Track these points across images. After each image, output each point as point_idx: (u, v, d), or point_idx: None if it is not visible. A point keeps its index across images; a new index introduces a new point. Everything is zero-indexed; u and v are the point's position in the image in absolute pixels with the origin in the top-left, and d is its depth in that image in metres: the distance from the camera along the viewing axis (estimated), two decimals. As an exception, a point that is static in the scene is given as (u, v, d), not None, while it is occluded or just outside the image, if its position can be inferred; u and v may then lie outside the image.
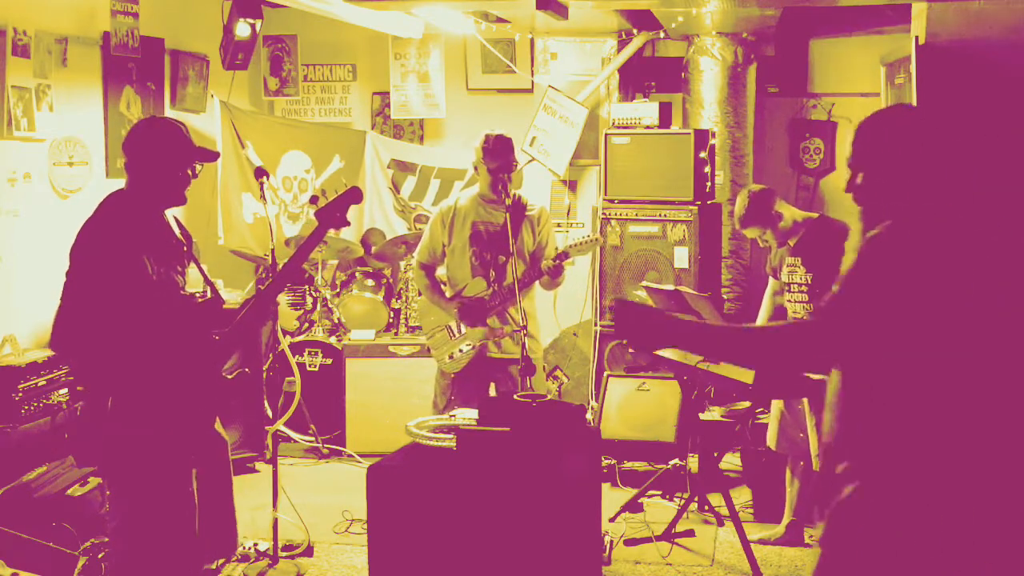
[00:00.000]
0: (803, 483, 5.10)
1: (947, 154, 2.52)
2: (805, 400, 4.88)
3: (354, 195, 3.83)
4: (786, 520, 5.16)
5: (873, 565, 2.40)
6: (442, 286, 5.39)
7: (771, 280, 5.34)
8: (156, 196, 3.72)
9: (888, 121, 2.58)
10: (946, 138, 2.53)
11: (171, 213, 3.88)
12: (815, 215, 5.16)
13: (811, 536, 5.06)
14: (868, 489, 2.42)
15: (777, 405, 5.11)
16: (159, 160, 3.70)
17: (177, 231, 3.85)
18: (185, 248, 3.85)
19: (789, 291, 5.09)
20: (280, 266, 7.01)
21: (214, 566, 4.50)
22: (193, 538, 3.65)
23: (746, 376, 4.56)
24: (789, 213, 5.03)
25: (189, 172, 3.76)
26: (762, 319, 5.36)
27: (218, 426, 4.04)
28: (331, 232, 7.78)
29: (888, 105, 5.75)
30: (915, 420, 2.40)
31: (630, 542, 5.11)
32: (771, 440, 5.17)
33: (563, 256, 5.06)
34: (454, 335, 5.22)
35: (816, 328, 2.52)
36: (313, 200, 4.31)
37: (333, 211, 3.78)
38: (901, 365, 2.41)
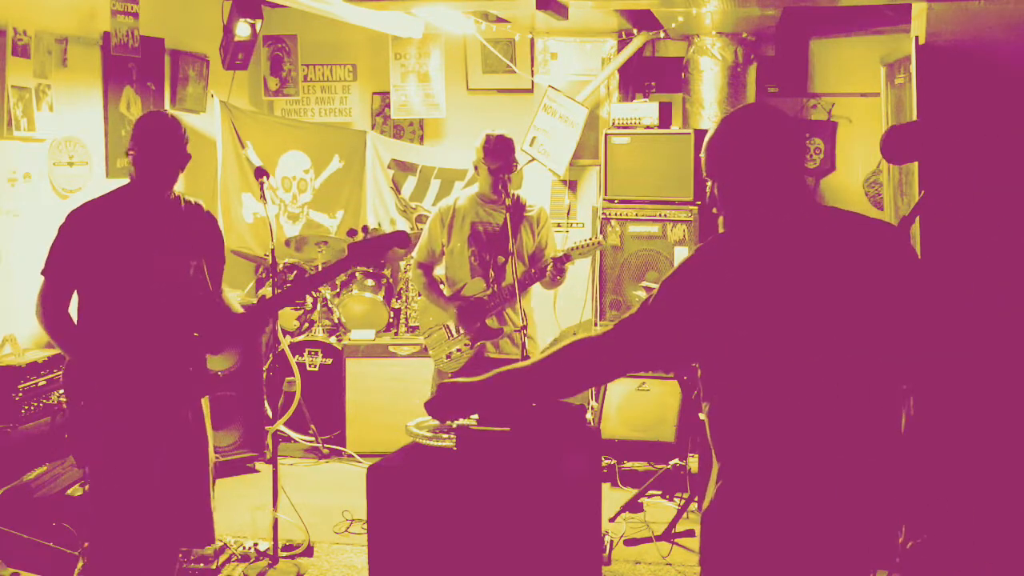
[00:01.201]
0: None
1: (783, 157, 2.51)
2: None
3: (399, 240, 3.78)
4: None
5: (737, 560, 2.47)
6: (440, 285, 5.39)
7: None
8: (145, 185, 3.82)
9: (725, 129, 2.57)
10: (783, 141, 2.53)
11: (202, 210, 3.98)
12: None
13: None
14: (724, 490, 2.49)
15: None
16: (158, 151, 3.81)
17: (204, 226, 3.94)
18: (198, 243, 3.88)
19: None
20: (281, 266, 7.07)
21: (195, 556, 4.55)
22: (150, 519, 3.70)
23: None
24: None
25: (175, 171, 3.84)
26: None
27: (207, 424, 4.01)
28: (329, 232, 7.83)
29: (885, 104, 5.75)
30: (742, 417, 2.46)
31: (630, 542, 5.11)
32: None
33: (565, 259, 5.05)
34: (452, 335, 5.22)
35: (606, 340, 2.57)
36: (351, 233, 4.04)
37: (369, 250, 3.75)
38: (726, 365, 2.47)
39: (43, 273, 3.75)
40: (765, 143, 2.52)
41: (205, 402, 3.99)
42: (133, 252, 3.69)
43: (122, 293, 3.69)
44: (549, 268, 5.02)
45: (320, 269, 6.81)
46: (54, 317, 3.72)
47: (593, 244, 5.22)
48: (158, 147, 3.78)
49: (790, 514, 2.41)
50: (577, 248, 5.13)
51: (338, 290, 7.13)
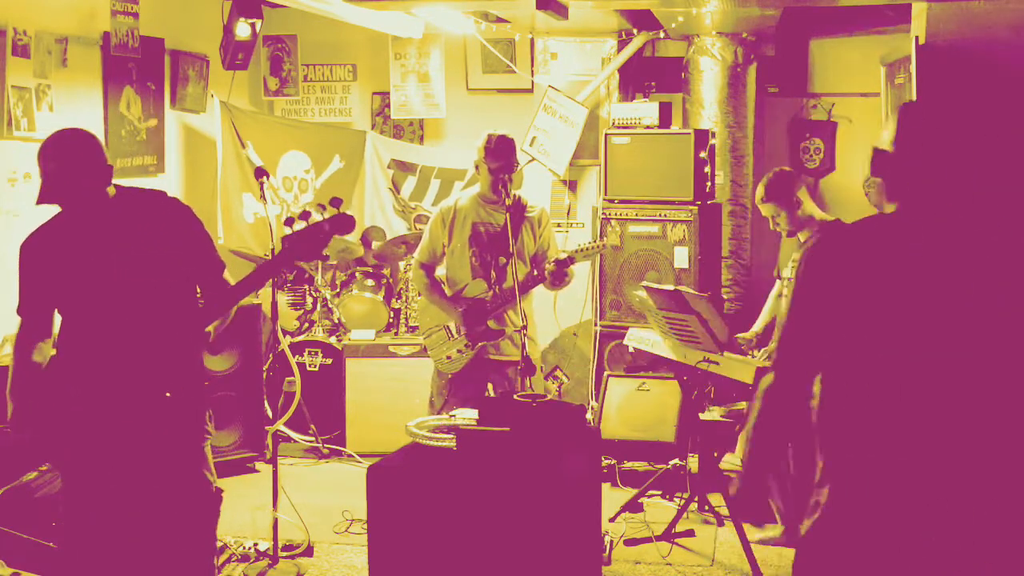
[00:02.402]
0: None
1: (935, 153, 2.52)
2: None
3: (340, 225, 3.51)
4: (786, 520, 5.17)
5: (845, 564, 2.45)
6: (442, 286, 5.39)
7: (777, 282, 5.35)
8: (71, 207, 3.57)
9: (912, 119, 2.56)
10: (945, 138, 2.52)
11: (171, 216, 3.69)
12: (832, 218, 5.16)
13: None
14: (839, 491, 2.46)
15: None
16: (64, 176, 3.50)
17: (161, 216, 3.62)
18: (159, 236, 3.57)
19: (791, 286, 5.10)
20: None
21: None
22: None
23: (746, 376, 4.56)
24: (809, 206, 5.05)
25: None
26: (758, 323, 5.38)
27: (209, 476, 3.71)
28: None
29: (885, 104, 5.75)
30: (868, 417, 2.43)
31: (630, 542, 5.11)
32: None
33: (568, 261, 5.02)
34: (452, 335, 5.22)
35: (777, 375, 2.55)
36: (304, 216, 3.64)
37: (306, 241, 3.52)
38: (853, 365, 2.45)
39: (18, 311, 3.60)
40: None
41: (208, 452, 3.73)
42: (90, 267, 3.50)
43: (91, 311, 3.52)
44: (551, 270, 5.01)
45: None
46: (19, 361, 3.54)
47: (596, 247, 5.21)
48: (72, 171, 3.42)
49: (913, 520, 2.38)
50: (580, 250, 5.12)
51: (338, 290, 7.13)
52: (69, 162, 3.42)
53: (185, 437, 3.62)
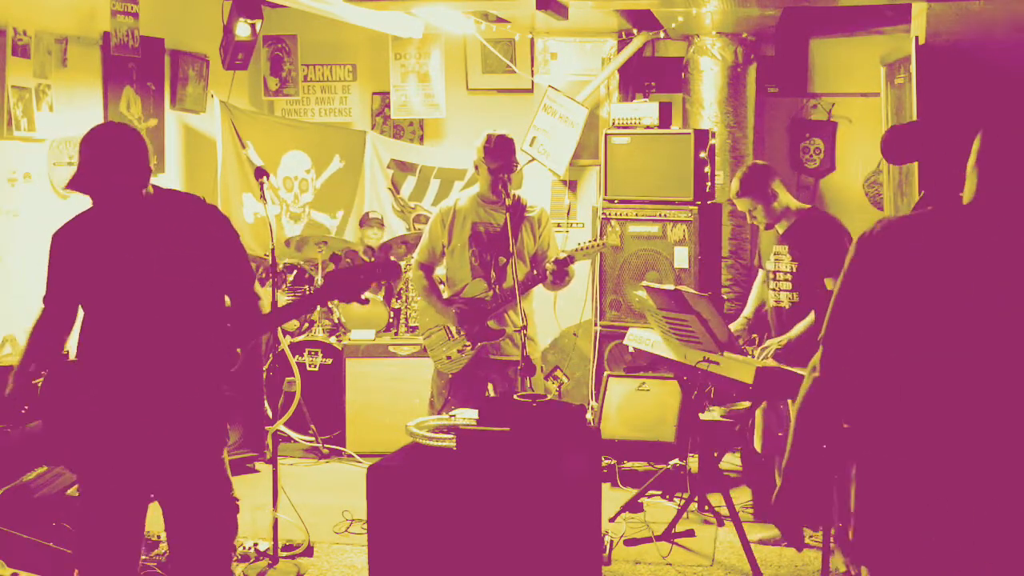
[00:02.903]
0: None
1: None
2: (790, 400, 4.92)
3: (388, 272, 3.45)
4: (787, 521, 5.16)
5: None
6: (440, 286, 5.39)
7: (760, 272, 5.38)
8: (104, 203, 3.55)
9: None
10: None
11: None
12: (808, 206, 5.20)
13: (811, 536, 5.05)
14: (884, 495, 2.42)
15: (762, 405, 5.12)
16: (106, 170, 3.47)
17: (194, 219, 3.58)
18: (188, 240, 3.52)
19: (775, 279, 5.11)
20: (280, 266, 7.06)
21: None
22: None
23: (746, 376, 4.56)
24: (784, 197, 5.07)
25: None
26: (747, 309, 5.40)
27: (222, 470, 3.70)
28: (329, 232, 7.83)
29: (885, 104, 5.75)
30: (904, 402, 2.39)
31: (630, 542, 5.11)
32: (756, 442, 5.21)
33: (568, 261, 5.03)
34: (452, 336, 5.22)
35: (823, 371, 2.49)
36: (334, 259, 3.48)
37: (349, 282, 3.40)
38: (904, 363, 2.39)
39: (43, 300, 3.60)
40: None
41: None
42: (116, 264, 3.46)
43: (113, 309, 3.47)
44: (551, 270, 5.01)
45: (300, 294, 6.77)
46: (33, 344, 3.58)
47: (596, 245, 5.21)
48: (107, 165, 3.37)
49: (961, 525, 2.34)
50: (580, 249, 5.12)
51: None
52: (106, 154, 3.37)
53: (203, 445, 3.58)
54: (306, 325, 7.05)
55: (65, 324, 3.61)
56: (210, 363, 3.51)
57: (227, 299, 3.62)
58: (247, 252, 3.70)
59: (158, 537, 4.66)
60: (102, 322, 3.50)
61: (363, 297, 3.44)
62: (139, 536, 3.61)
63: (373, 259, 3.18)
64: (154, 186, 3.52)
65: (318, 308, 6.96)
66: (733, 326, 5.18)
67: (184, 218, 3.53)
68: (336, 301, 3.60)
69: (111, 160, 3.38)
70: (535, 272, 5.10)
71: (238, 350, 3.60)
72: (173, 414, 3.45)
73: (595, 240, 5.27)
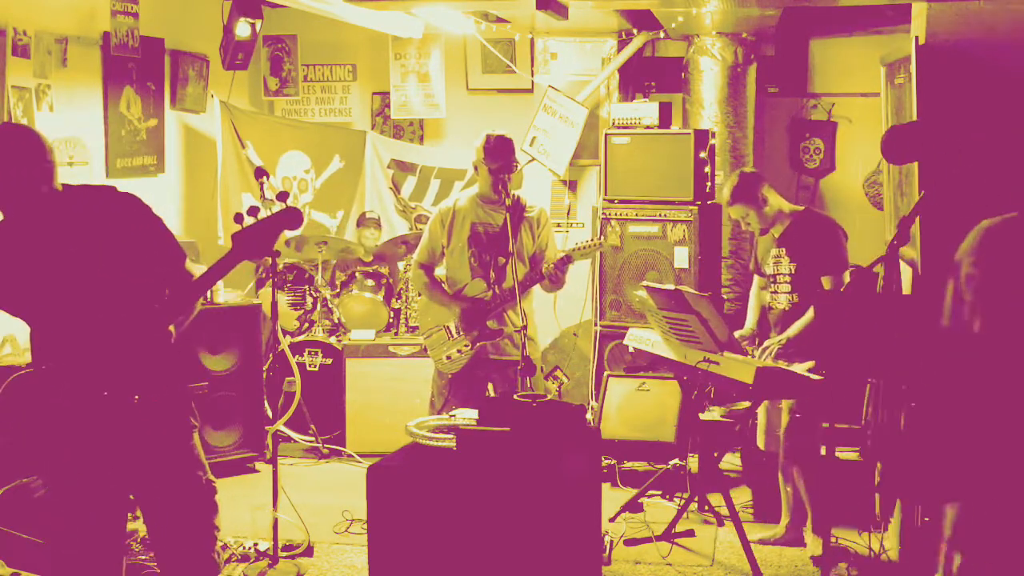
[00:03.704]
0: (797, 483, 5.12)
1: None
2: (784, 401, 4.93)
3: (288, 219, 3.35)
4: (784, 520, 5.16)
5: None
6: (441, 284, 5.39)
7: (756, 278, 5.37)
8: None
9: None
10: None
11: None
12: (801, 208, 5.20)
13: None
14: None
15: (764, 404, 5.13)
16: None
17: (105, 210, 3.47)
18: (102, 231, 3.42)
19: (774, 282, 5.12)
20: (280, 266, 7.06)
21: None
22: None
23: (746, 376, 4.56)
24: (776, 201, 5.08)
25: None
26: (751, 319, 5.38)
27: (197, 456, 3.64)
28: (329, 232, 7.82)
29: (885, 104, 5.73)
30: None
31: (630, 542, 5.11)
32: (760, 439, 5.23)
33: (566, 260, 5.04)
34: (452, 335, 5.22)
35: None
36: (252, 212, 3.42)
37: (256, 236, 3.36)
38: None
39: None
40: None
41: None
42: (39, 269, 3.37)
43: (48, 316, 3.41)
44: (549, 270, 5.02)
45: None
46: None
47: (594, 245, 5.22)
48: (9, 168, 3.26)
49: None
50: (578, 249, 5.13)
51: (338, 290, 7.13)
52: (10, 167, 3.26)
53: (166, 436, 3.52)
54: (306, 325, 7.05)
55: None
56: (152, 355, 3.43)
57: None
58: (172, 234, 3.59)
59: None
60: (43, 331, 3.45)
61: (274, 249, 3.38)
62: (121, 538, 3.59)
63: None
64: (64, 184, 3.43)
65: (314, 305, 6.96)
66: (738, 333, 5.18)
67: (97, 211, 3.43)
68: (251, 259, 3.51)
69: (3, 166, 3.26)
70: (533, 272, 5.11)
71: (171, 327, 3.48)
72: (125, 412, 3.40)
73: (593, 240, 5.27)
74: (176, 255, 3.56)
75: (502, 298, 5.12)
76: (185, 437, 3.59)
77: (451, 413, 4.48)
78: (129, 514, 3.76)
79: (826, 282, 4.92)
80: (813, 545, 4.96)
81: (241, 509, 5.45)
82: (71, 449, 3.41)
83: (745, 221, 5.15)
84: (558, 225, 7.57)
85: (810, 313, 4.91)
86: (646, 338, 5.39)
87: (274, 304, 4.92)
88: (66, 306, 3.37)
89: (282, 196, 3.61)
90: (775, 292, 5.12)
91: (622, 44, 7.53)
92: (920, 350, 3.36)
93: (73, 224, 3.38)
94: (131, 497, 3.59)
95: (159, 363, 3.48)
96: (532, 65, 7.72)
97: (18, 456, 3.55)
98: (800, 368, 4.76)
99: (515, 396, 4.01)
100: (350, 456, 6.52)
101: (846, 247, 5.01)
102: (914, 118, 4.70)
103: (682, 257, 6.31)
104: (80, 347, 3.36)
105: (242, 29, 6.55)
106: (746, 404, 5.43)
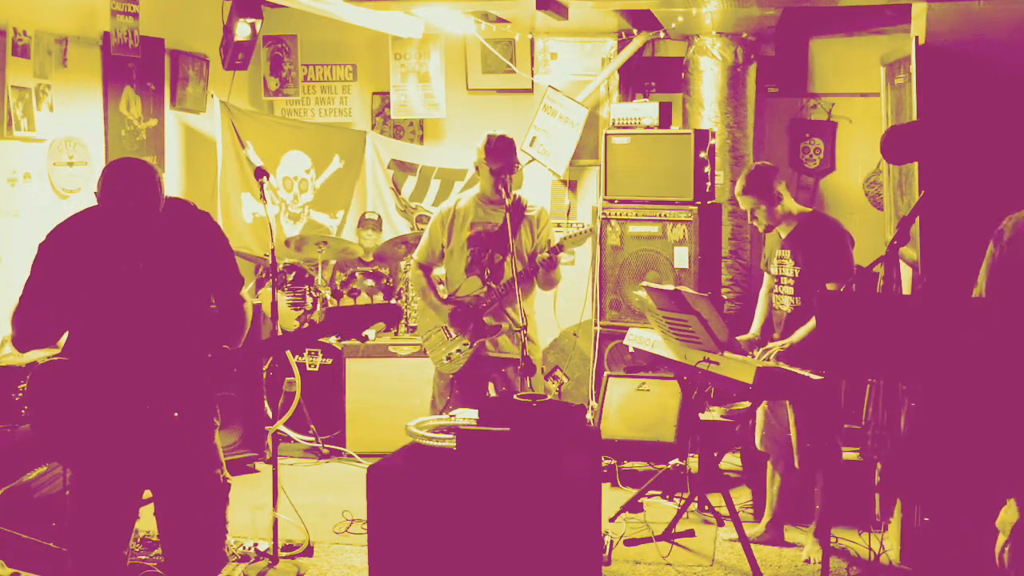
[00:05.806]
0: (784, 482, 5.11)
1: None
2: (787, 401, 4.93)
3: (389, 314, 3.47)
4: (766, 519, 5.17)
5: None
6: (440, 286, 5.40)
7: (766, 276, 5.35)
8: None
9: None
10: None
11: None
12: (809, 210, 5.18)
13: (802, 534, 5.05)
14: None
15: (762, 404, 5.12)
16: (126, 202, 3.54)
17: (189, 228, 3.64)
18: (181, 248, 3.60)
19: (779, 284, 5.11)
20: (280, 266, 7.05)
21: None
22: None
23: (746, 376, 4.56)
24: (788, 200, 5.05)
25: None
26: (757, 321, 5.37)
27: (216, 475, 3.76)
28: (329, 232, 7.82)
29: (885, 104, 5.73)
30: None
31: (630, 542, 5.11)
32: (757, 440, 5.22)
33: (558, 248, 5.08)
34: (451, 336, 5.23)
35: None
36: (352, 294, 3.51)
37: (351, 320, 3.46)
38: None
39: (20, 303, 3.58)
40: None
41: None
42: (105, 271, 3.50)
43: (101, 316, 3.51)
44: (543, 259, 5.05)
45: (304, 324, 6.80)
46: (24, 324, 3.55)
47: (584, 232, 5.26)
48: (127, 198, 3.44)
49: None
50: (569, 238, 5.18)
51: (338, 290, 7.13)
52: (121, 189, 3.44)
53: (191, 436, 3.62)
54: (306, 325, 7.04)
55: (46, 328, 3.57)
56: (195, 371, 3.57)
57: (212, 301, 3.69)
58: (235, 258, 3.76)
59: (158, 537, 4.66)
60: (90, 328, 3.53)
61: (363, 335, 3.50)
62: (130, 527, 3.68)
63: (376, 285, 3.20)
64: None
65: (314, 305, 6.96)
66: (742, 338, 5.17)
67: (173, 224, 3.58)
68: (339, 338, 3.68)
69: (126, 194, 3.43)
70: (529, 265, 5.13)
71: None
72: (159, 423, 3.49)
73: (580, 227, 5.30)
74: (235, 280, 3.73)
75: (498, 294, 5.13)
76: (207, 436, 3.71)
77: (451, 413, 4.48)
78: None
79: (831, 288, 4.88)
80: (813, 548, 4.96)
81: (241, 509, 5.45)
82: (98, 445, 3.49)
83: (753, 214, 5.10)
84: (558, 225, 7.56)
85: (813, 321, 4.88)
86: (646, 338, 5.39)
87: (274, 304, 4.92)
88: (124, 313, 3.49)
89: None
90: (779, 293, 5.11)
91: (622, 44, 7.53)
92: (920, 350, 3.35)
93: (150, 236, 3.51)
94: (147, 494, 3.68)
95: (202, 382, 3.62)
96: (532, 65, 7.72)
97: (41, 443, 3.61)
98: (802, 371, 4.75)
99: (515, 396, 4.01)
100: (350, 456, 6.52)
101: (852, 254, 4.96)
102: (914, 118, 4.70)
103: (682, 257, 6.31)
104: (124, 351, 3.46)
105: (242, 29, 6.54)
106: (746, 404, 5.43)
